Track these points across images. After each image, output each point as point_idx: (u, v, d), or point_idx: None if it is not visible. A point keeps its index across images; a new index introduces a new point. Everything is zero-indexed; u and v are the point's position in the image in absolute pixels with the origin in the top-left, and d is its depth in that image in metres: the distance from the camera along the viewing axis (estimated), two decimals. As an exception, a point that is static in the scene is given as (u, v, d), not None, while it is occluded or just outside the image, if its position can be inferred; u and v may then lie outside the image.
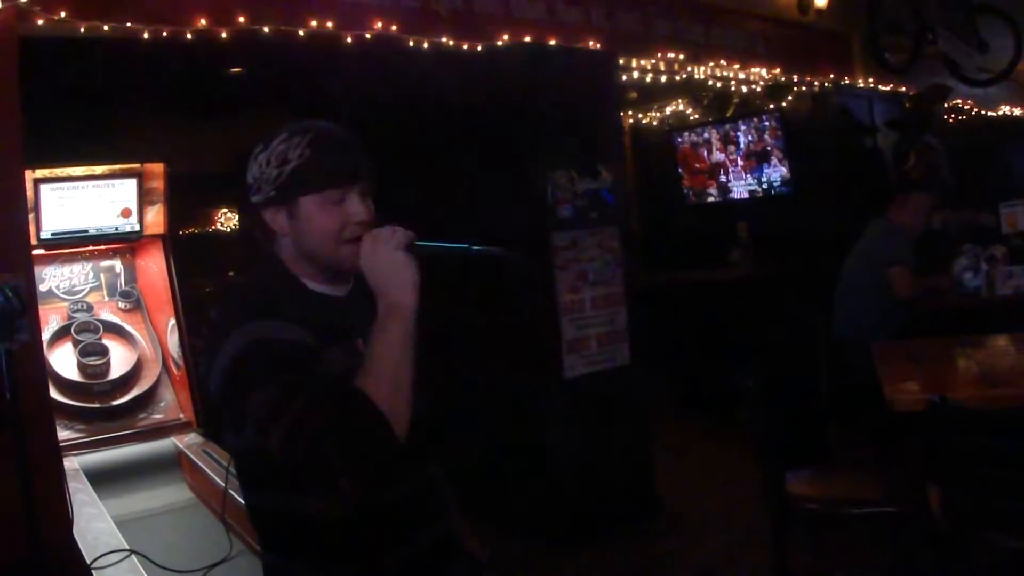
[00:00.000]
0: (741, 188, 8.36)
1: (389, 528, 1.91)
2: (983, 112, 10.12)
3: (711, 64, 6.77)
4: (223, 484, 4.42)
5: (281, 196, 1.90)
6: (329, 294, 1.97)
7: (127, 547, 3.92)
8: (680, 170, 8.83)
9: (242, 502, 4.23)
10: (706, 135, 8.55)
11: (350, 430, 1.67)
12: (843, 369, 5.23)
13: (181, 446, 5.33)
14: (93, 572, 3.72)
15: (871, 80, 8.41)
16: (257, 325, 1.80)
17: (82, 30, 3.80)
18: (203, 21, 4.11)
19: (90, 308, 5.73)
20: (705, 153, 8.59)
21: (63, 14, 3.70)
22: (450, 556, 2.07)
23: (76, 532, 3.89)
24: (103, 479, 4.89)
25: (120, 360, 5.61)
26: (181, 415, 5.60)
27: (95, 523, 4.18)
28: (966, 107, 9.82)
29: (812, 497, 3.63)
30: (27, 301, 3.43)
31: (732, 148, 8.33)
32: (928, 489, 3.26)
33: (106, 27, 3.84)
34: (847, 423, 5.09)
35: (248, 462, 1.95)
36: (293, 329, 1.80)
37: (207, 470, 4.90)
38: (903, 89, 8.69)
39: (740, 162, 8.29)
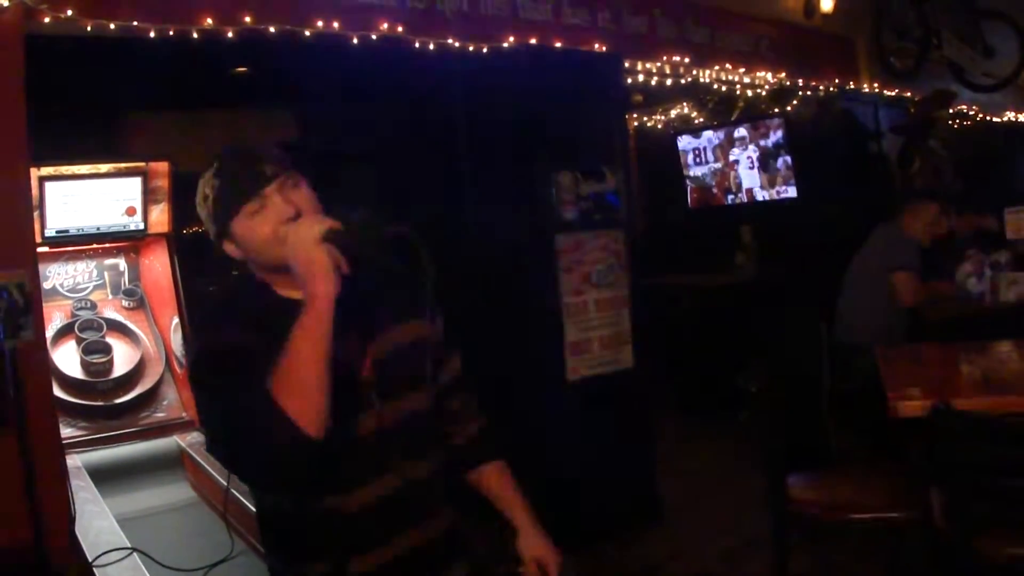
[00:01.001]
0: (745, 192, 8.35)
1: (355, 531, 1.93)
2: (988, 117, 10.10)
3: (716, 67, 6.77)
4: (225, 483, 4.43)
5: (218, 230, 1.95)
6: (301, 299, 1.91)
7: (129, 545, 3.93)
8: (684, 173, 8.82)
9: (243, 501, 4.27)
10: (712, 139, 8.54)
11: (254, 432, 1.69)
12: (846, 374, 5.23)
13: (183, 445, 5.34)
14: (95, 570, 3.74)
15: (876, 85, 8.41)
16: (207, 333, 1.90)
17: (88, 28, 3.80)
18: (209, 20, 4.11)
19: (94, 306, 5.75)
20: (709, 157, 8.58)
21: (69, 12, 3.71)
22: (448, 556, 2.08)
23: (78, 530, 3.91)
24: (105, 477, 4.90)
25: (123, 358, 5.63)
26: (184, 414, 5.62)
27: (97, 521, 4.20)
28: (971, 112, 9.80)
29: (814, 502, 3.62)
30: (31, 299, 3.44)
31: (736, 152, 8.32)
32: (931, 495, 3.26)
33: (112, 25, 3.84)
34: (849, 428, 5.08)
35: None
36: (240, 334, 1.83)
37: (209, 469, 4.91)
38: (908, 94, 8.68)
39: (744, 166, 8.29)
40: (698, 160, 8.65)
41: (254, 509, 2.07)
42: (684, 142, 8.72)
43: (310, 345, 1.71)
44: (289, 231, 1.82)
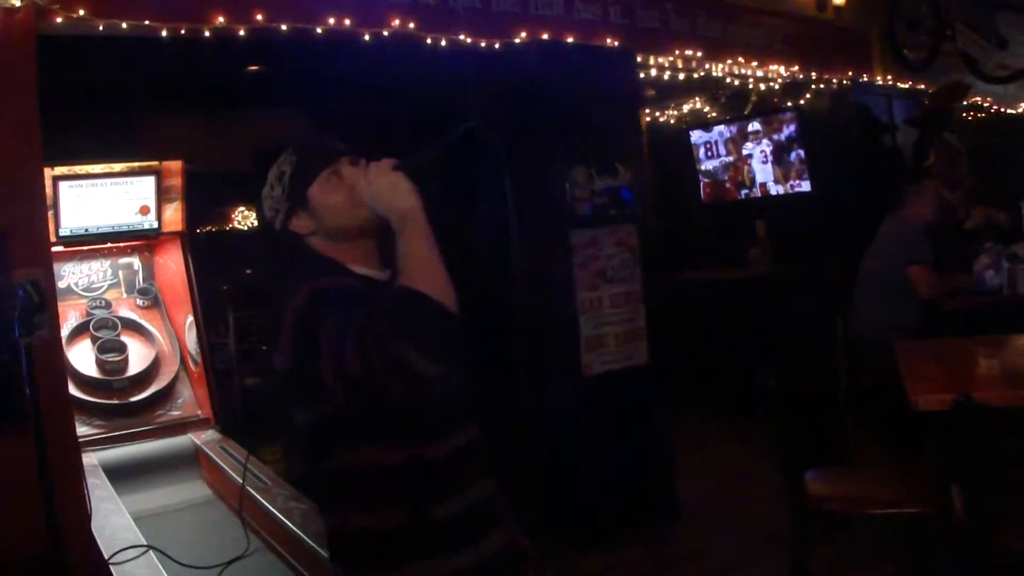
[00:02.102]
0: (759, 186, 8.32)
1: (439, 478, 2.01)
2: (1003, 109, 10.05)
3: (728, 62, 6.75)
4: (241, 481, 4.43)
5: (293, 201, 2.14)
6: (372, 276, 2.10)
7: (144, 543, 3.93)
8: (697, 168, 8.79)
9: (259, 498, 4.28)
10: (724, 134, 8.51)
11: (407, 318, 1.80)
12: (862, 368, 5.21)
13: (199, 442, 5.34)
14: (111, 567, 3.73)
15: (890, 77, 8.38)
16: (313, 283, 1.97)
17: (100, 28, 3.80)
18: (221, 19, 4.11)
19: (108, 305, 5.76)
20: (723, 152, 8.55)
21: (81, 12, 3.71)
22: (494, 521, 2.13)
23: (94, 527, 3.91)
24: (121, 475, 4.91)
25: (138, 357, 5.63)
26: (199, 412, 5.62)
27: (113, 518, 4.20)
28: (985, 104, 9.75)
29: (831, 497, 3.61)
30: (46, 297, 3.45)
31: (750, 146, 8.29)
32: (950, 490, 3.24)
33: (124, 25, 3.85)
34: (867, 423, 5.06)
35: (319, 419, 2.02)
36: (347, 279, 2.02)
37: (225, 467, 4.92)
38: (922, 86, 8.64)
39: (758, 160, 8.25)
40: (709, 154, 8.60)
41: (321, 467, 2.06)
42: (696, 136, 8.68)
43: (428, 246, 1.91)
44: (361, 177, 2.06)
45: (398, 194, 1.97)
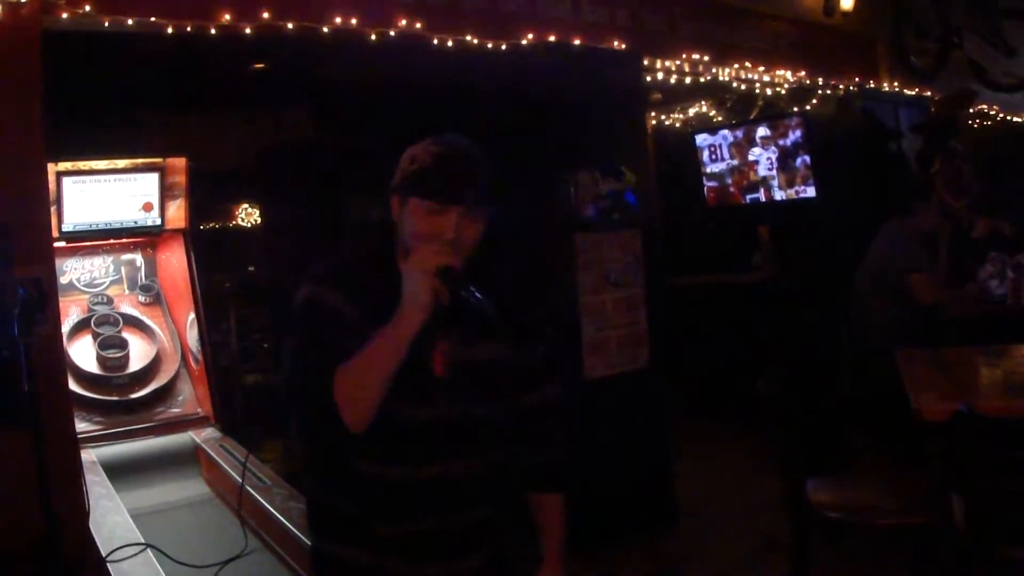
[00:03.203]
0: (763, 191, 8.30)
1: (397, 502, 2.03)
2: (1009, 117, 10.03)
3: (735, 66, 6.73)
4: (240, 479, 4.43)
5: (401, 189, 2.07)
6: None
7: (142, 541, 3.92)
8: (702, 172, 8.77)
9: (258, 498, 4.27)
10: (729, 137, 8.49)
11: (308, 404, 1.95)
12: (864, 376, 5.19)
13: (199, 440, 5.34)
14: (108, 565, 3.72)
15: (896, 84, 8.36)
16: (313, 288, 2.02)
17: (106, 24, 3.80)
18: (227, 16, 4.10)
19: (110, 301, 5.75)
20: (728, 156, 8.53)
21: (87, 8, 3.70)
22: (476, 546, 2.14)
23: (92, 524, 3.90)
24: (120, 472, 4.90)
25: (139, 353, 5.62)
26: (199, 409, 5.61)
27: (111, 516, 4.19)
28: (992, 112, 9.74)
29: (833, 505, 3.59)
30: (47, 294, 3.44)
31: (755, 151, 8.27)
32: (952, 500, 3.22)
33: (130, 21, 3.84)
34: (868, 431, 5.04)
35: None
36: (341, 299, 1.99)
37: (224, 465, 4.91)
38: (928, 93, 8.63)
39: (763, 165, 8.23)
40: (714, 157, 8.58)
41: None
42: (700, 139, 8.66)
43: (382, 358, 1.88)
44: (421, 247, 1.96)
45: (413, 297, 1.89)
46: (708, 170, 8.64)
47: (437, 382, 2.02)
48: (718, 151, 8.53)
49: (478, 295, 1.92)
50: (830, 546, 4.26)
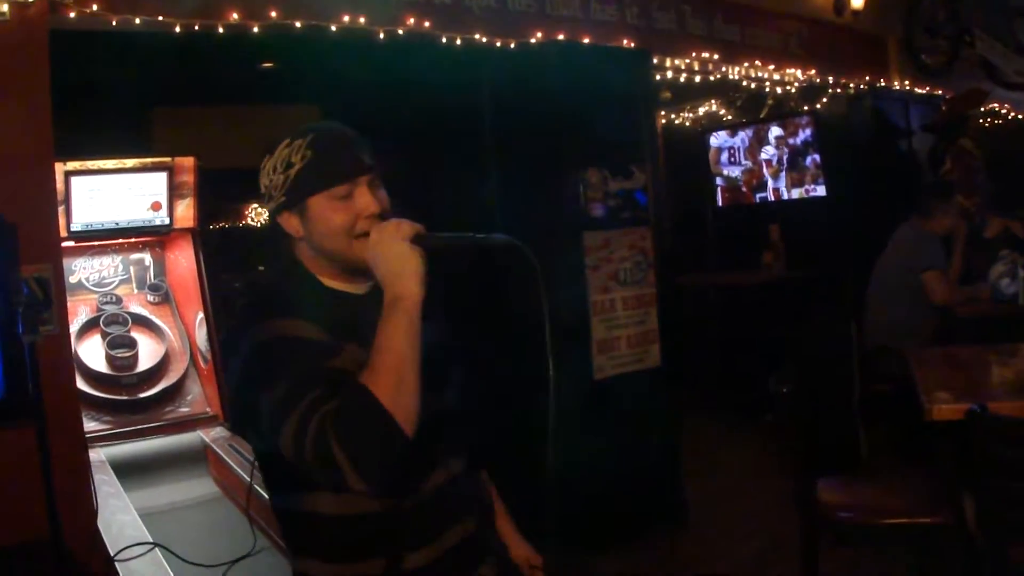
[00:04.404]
0: (773, 190, 8.28)
1: (409, 528, 1.91)
2: (1021, 116, 9.98)
3: (745, 64, 6.71)
4: (248, 479, 4.41)
5: (291, 200, 1.92)
6: (348, 292, 1.98)
7: (151, 540, 3.91)
8: (714, 171, 8.75)
9: (266, 497, 4.26)
10: (739, 136, 8.47)
11: (353, 426, 1.64)
12: (876, 375, 5.17)
13: (207, 440, 5.33)
14: (116, 564, 3.71)
15: (907, 83, 8.33)
16: (271, 323, 1.83)
17: (114, 23, 3.79)
18: (235, 15, 4.09)
19: (119, 300, 5.75)
20: (738, 154, 8.51)
21: (95, 7, 3.70)
22: (484, 552, 2.07)
23: (100, 524, 3.89)
24: (129, 471, 4.89)
25: (148, 353, 5.62)
26: (208, 409, 5.61)
27: (120, 515, 4.18)
28: (1003, 111, 9.69)
29: (843, 506, 3.57)
30: (52, 293, 3.44)
31: (765, 150, 8.25)
32: (963, 500, 3.20)
33: (137, 20, 3.83)
34: (879, 430, 5.02)
35: (268, 460, 1.96)
36: (307, 326, 1.82)
37: (232, 464, 4.90)
38: (939, 92, 8.59)
39: (773, 164, 8.22)
40: (732, 159, 8.56)
41: (281, 513, 2.02)
42: (719, 140, 8.63)
43: (406, 341, 1.72)
44: (375, 229, 1.83)
45: (400, 272, 1.76)
46: (725, 172, 8.61)
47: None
48: (737, 153, 8.50)
49: (453, 235, 1.85)
50: (840, 546, 4.24)
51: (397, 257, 1.77)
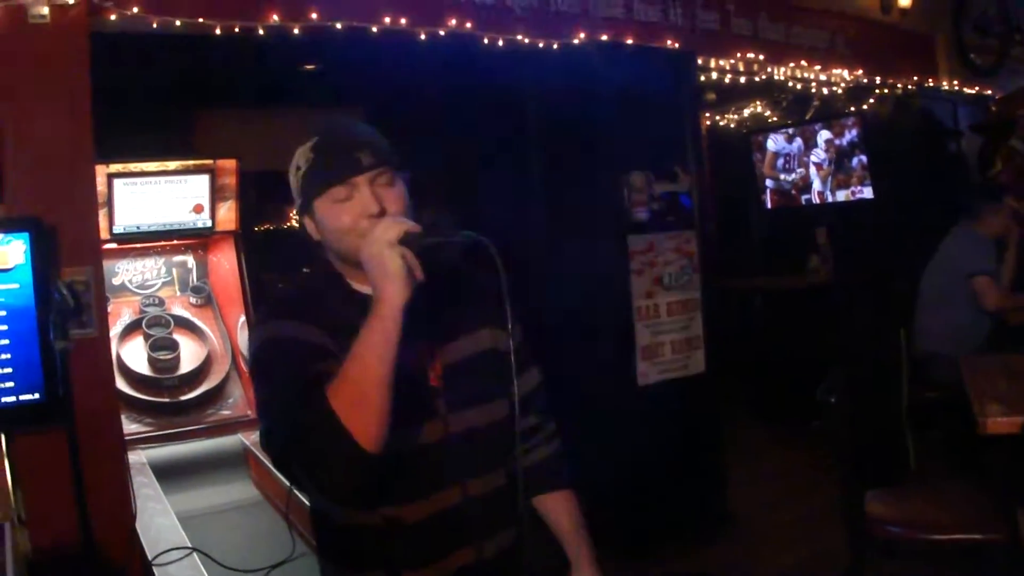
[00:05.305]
0: (820, 192, 8.17)
1: (411, 545, 1.88)
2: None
3: (791, 65, 6.64)
4: (288, 483, 4.39)
5: (302, 204, 1.92)
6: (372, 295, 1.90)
7: (189, 544, 3.90)
8: (757, 173, 8.65)
9: (306, 502, 4.23)
10: (785, 137, 8.37)
11: (309, 437, 1.64)
12: (925, 383, 5.07)
13: (248, 443, 5.32)
14: (154, 568, 3.71)
15: (956, 82, 8.20)
16: (271, 324, 1.85)
17: (154, 25, 3.79)
18: (275, 17, 4.09)
19: (162, 303, 5.76)
20: (792, 162, 8.40)
21: (135, 9, 3.70)
22: (506, 572, 2.00)
23: (139, 527, 3.90)
24: (169, 474, 4.89)
25: (190, 355, 5.63)
26: (249, 412, 5.59)
27: (159, 519, 4.17)
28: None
29: (891, 519, 3.48)
30: (87, 299, 3.44)
31: (811, 151, 8.14)
32: (1018, 516, 3.11)
33: (178, 22, 3.84)
34: (929, 440, 4.92)
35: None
36: (307, 329, 1.80)
37: (273, 468, 4.88)
38: (989, 92, 8.45)
39: (819, 166, 8.11)
40: (787, 165, 8.44)
41: (310, 509, 2.07)
42: (777, 144, 8.50)
43: (374, 352, 1.65)
44: (367, 228, 1.76)
45: (384, 273, 1.68)
46: (781, 177, 8.49)
47: (434, 393, 1.89)
48: (792, 161, 8.38)
49: (450, 233, 1.77)
50: (887, 560, 4.15)
51: (378, 259, 1.69)
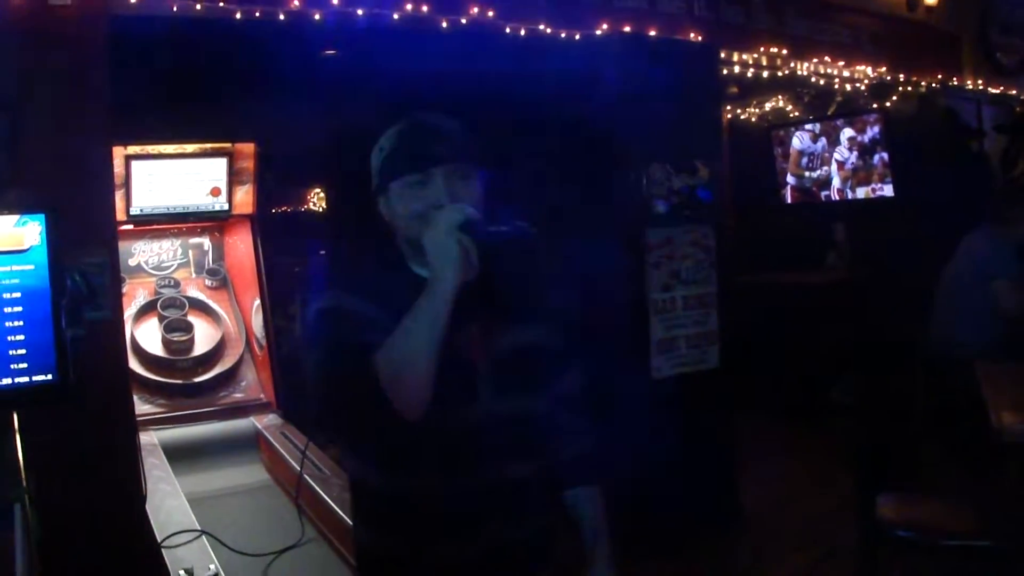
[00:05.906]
0: (839, 189, 8.12)
1: (440, 518, 1.95)
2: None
3: (814, 60, 6.59)
4: (299, 468, 4.40)
5: (379, 184, 2.00)
6: None
7: (198, 527, 3.91)
8: (777, 168, 8.60)
9: (316, 487, 4.25)
10: (806, 133, 8.31)
11: (350, 400, 1.79)
12: (941, 387, 5.04)
13: (260, 427, 5.33)
14: (163, 550, 3.72)
15: (980, 82, 8.13)
16: (331, 295, 1.95)
17: (174, 8, 3.78)
18: (296, 2, 4.08)
19: (177, 284, 5.77)
20: (816, 161, 8.34)
21: (156, -7, 3.70)
22: (536, 561, 2.06)
23: (149, 508, 3.91)
24: (180, 455, 4.90)
25: (204, 337, 5.64)
26: (262, 395, 5.61)
27: (169, 500, 4.18)
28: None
29: (903, 523, 3.47)
30: (101, 284, 3.45)
31: (833, 148, 8.09)
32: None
33: (198, 6, 3.83)
34: (943, 445, 4.90)
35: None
36: (363, 304, 1.89)
37: (284, 453, 4.89)
38: (1014, 92, 8.38)
39: (840, 162, 8.06)
40: (811, 164, 8.38)
41: (348, 478, 2.13)
42: (803, 143, 8.43)
43: (422, 328, 1.75)
44: (432, 215, 1.85)
45: (439, 257, 1.78)
46: (806, 174, 8.44)
47: (480, 376, 1.95)
48: (815, 160, 8.32)
49: (507, 225, 1.85)
50: (898, 563, 4.13)
51: (437, 242, 1.78)
